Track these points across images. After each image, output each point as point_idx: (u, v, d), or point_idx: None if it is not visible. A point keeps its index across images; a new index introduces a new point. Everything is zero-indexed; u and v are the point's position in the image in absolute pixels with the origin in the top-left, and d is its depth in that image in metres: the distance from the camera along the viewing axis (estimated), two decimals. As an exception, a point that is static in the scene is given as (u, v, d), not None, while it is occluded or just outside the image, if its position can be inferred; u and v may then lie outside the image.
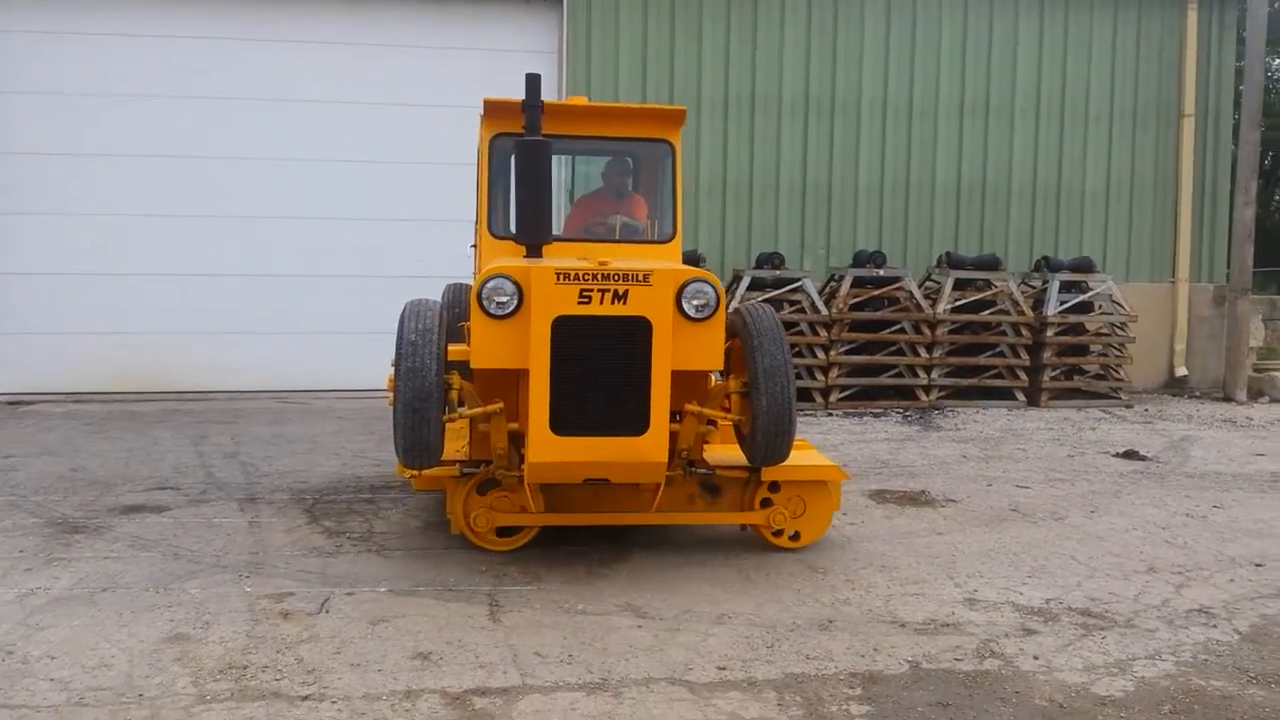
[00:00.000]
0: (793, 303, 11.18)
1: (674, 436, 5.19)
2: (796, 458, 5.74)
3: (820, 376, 11.18)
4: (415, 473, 5.30)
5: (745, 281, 11.16)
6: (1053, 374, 11.67)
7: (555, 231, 5.71)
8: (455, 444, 5.64)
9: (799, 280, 11.25)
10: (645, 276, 4.80)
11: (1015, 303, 11.54)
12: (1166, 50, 12.92)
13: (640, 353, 4.82)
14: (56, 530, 5.96)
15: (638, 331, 4.81)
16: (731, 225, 12.23)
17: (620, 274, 4.79)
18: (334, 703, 3.78)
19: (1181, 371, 12.93)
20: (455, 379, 5.05)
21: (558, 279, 4.75)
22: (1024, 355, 11.57)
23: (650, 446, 4.86)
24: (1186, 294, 13.01)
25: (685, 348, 4.93)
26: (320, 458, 8.11)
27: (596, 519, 5.64)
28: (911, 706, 3.85)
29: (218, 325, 11.24)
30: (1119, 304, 11.91)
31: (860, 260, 11.62)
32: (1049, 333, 11.52)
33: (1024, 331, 11.54)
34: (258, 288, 11.36)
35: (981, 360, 11.47)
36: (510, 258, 5.31)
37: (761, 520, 5.71)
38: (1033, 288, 12.19)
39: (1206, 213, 13.18)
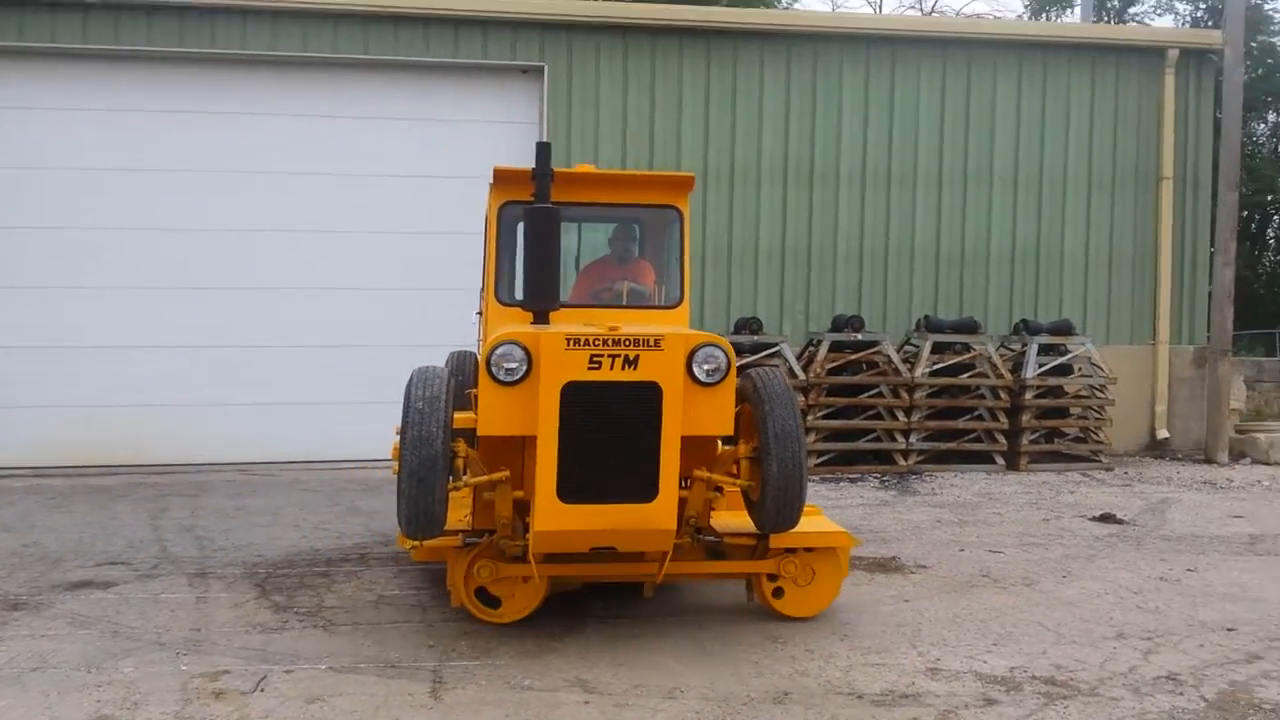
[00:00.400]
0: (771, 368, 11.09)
1: (682, 503, 5.10)
2: (805, 524, 5.61)
3: (798, 442, 11.04)
4: (415, 543, 5.14)
5: (721, 347, 11.09)
6: (1032, 437, 11.56)
7: (562, 298, 5.68)
8: (457, 514, 5.52)
9: (777, 345, 11.21)
10: (657, 341, 4.74)
11: (994, 366, 11.48)
12: (1145, 115, 13.04)
13: (651, 418, 4.73)
14: (-4, 608, 5.78)
15: (649, 397, 4.73)
16: (710, 290, 12.21)
17: (631, 339, 4.73)
18: (253, 788, 3.60)
19: (1163, 434, 12.82)
20: (461, 447, 4.96)
21: (568, 345, 4.69)
22: (1003, 419, 11.47)
23: (659, 514, 4.77)
24: (1167, 356, 12.96)
25: (695, 412, 4.85)
26: (280, 530, 7.94)
27: (602, 570, 5.46)
28: (860, 784, 3.68)
29: (182, 398, 11.09)
30: (1098, 366, 11.85)
31: (838, 325, 11.59)
32: (1028, 395, 11.44)
33: (1003, 395, 11.47)
34: (222, 360, 11.24)
35: (960, 424, 11.37)
36: (518, 325, 5.27)
37: (772, 568, 5.58)
38: (1012, 351, 12.14)
39: (1187, 274, 13.19)
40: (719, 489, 5.32)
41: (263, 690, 4.53)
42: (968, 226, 12.74)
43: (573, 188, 6.00)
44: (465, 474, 5.06)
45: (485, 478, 4.98)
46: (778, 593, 5.62)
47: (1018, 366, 11.73)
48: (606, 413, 4.71)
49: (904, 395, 11.23)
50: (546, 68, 11.75)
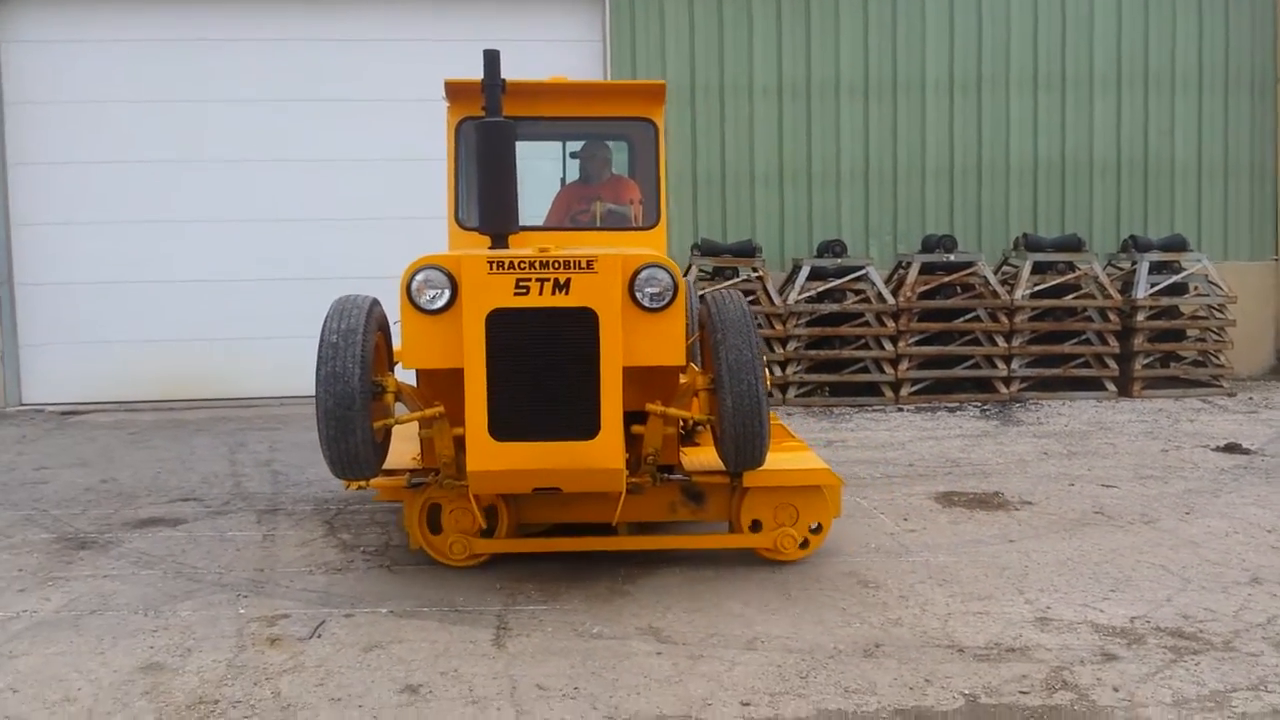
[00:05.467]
0: (857, 292, 10.53)
1: (639, 440, 4.70)
2: (788, 460, 5.22)
3: (889, 369, 10.50)
4: (361, 484, 4.85)
5: (805, 271, 10.55)
6: (1145, 361, 10.79)
7: (538, 221, 5.28)
8: (411, 450, 5.22)
9: (863, 268, 10.59)
10: (589, 263, 4.30)
11: (1101, 286, 10.69)
12: (1259, 10, 11.89)
13: (586, 348, 4.31)
14: (64, 546, 5.70)
15: (582, 324, 4.31)
16: (790, 214, 11.62)
17: (561, 261, 4.30)
18: (300, 746, 3.37)
19: (1290, 355, 11.90)
20: (391, 380, 4.63)
21: (491, 268, 4.29)
22: (1113, 342, 10.71)
23: (603, 451, 4.34)
24: (1292, 272, 11.98)
25: (640, 341, 4.41)
26: (353, 465, 7.77)
27: (562, 516, 5.15)
28: (963, 753, 3.29)
29: (269, 330, 11.02)
30: (1216, 284, 10.96)
31: (929, 245, 10.90)
32: (1140, 317, 10.65)
33: (1112, 317, 10.69)
34: (311, 292, 11.09)
35: (1066, 348, 10.66)
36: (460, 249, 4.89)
37: (732, 515, 5.15)
38: (1120, 270, 11.32)
39: (1311, 184, 12.11)
40: (684, 424, 4.88)
41: (319, 636, 4.31)
42: (1068, 136, 11.85)
43: (532, 101, 5.55)
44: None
45: (417, 414, 4.61)
46: (755, 525, 5.14)
47: (1127, 286, 10.93)
48: (537, 342, 4.32)
49: (1003, 319, 10.54)
50: (610, -19, 11.18)
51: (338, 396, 4.35)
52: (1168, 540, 5.58)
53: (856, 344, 10.50)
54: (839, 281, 10.50)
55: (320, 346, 4.43)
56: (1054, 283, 10.68)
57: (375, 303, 4.71)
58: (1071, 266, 10.84)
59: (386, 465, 4.89)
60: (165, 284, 11.08)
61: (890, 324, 10.44)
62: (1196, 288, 11.05)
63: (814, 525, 5.19)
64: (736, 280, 10.50)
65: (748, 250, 10.73)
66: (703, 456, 5.28)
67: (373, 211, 11.10)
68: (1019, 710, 3.59)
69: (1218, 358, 11.00)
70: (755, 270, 10.55)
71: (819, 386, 10.60)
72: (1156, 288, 10.74)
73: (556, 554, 5.17)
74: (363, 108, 11.12)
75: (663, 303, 4.46)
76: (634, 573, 5.07)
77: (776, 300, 10.42)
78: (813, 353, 10.46)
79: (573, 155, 6.39)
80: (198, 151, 11.03)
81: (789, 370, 10.42)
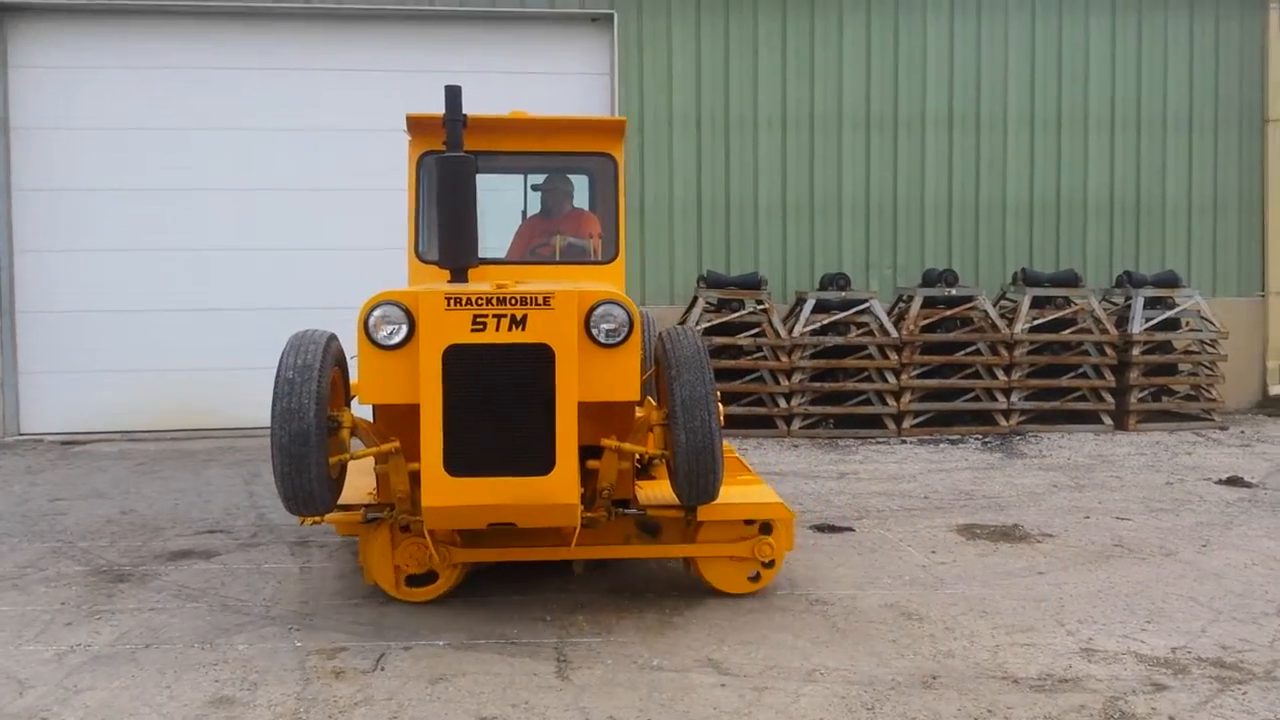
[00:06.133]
0: (860, 325, 10.71)
1: (594, 475, 4.75)
2: (742, 494, 5.29)
3: (891, 402, 10.66)
4: (316, 519, 4.83)
5: (809, 304, 10.72)
6: (1140, 395, 11.03)
7: (500, 255, 5.35)
8: (366, 484, 5.26)
9: (867, 301, 10.77)
10: (545, 300, 4.36)
11: (1098, 320, 10.94)
12: (1247, 53, 12.29)
13: (542, 384, 4.35)
14: (101, 579, 5.68)
15: (538, 360, 4.36)
16: (792, 246, 11.81)
17: (518, 298, 4.35)
18: (389, 779, 3.40)
19: (1276, 389, 12.18)
20: (347, 416, 4.66)
21: (448, 305, 4.34)
22: (1109, 376, 10.94)
23: (557, 487, 4.36)
24: (1278, 308, 12.28)
25: (596, 377, 4.46)
26: (375, 496, 7.79)
27: (517, 554, 5.16)
28: (1040, 782, 3.38)
29: (272, 359, 10.95)
30: (1208, 319, 11.25)
31: (930, 279, 11.11)
32: (1135, 351, 10.90)
33: (1108, 351, 10.93)
34: (310, 322, 11.08)
35: (1064, 382, 10.87)
36: (416, 285, 4.94)
37: (694, 551, 5.22)
38: (1114, 305, 11.58)
39: (1297, 221, 12.48)
40: (640, 459, 4.94)
41: (383, 669, 4.34)
42: (1063, 174, 12.16)
43: (494, 135, 5.64)
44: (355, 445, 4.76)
45: (373, 450, 4.64)
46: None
47: (1121, 321, 11.18)
48: (493, 378, 4.35)
49: (1003, 352, 10.75)
50: (616, 15, 11.35)
51: (292, 433, 4.33)
52: (1190, 572, 5.73)
53: (859, 376, 10.66)
54: (843, 314, 10.67)
55: (276, 382, 4.43)
56: (1052, 317, 10.91)
57: (333, 338, 4.74)
58: (1068, 301, 11.08)
59: (343, 500, 4.88)
60: (167, 312, 11.04)
61: (893, 356, 10.62)
62: (1189, 323, 11.32)
63: (767, 561, 5.25)
64: (742, 312, 10.64)
65: (753, 282, 10.88)
66: (658, 491, 5.30)
67: (382, 241, 11.12)
68: (1083, 740, 3.69)
69: (1209, 391, 11.27)
70: (760, 303, 10.69)
71: (823, 418, 10.73)
72: (1151, 323, 11.00)
73: (608, 591, 5.23)
74: (371, 137, 11.16)
75: (618, 339, 4.50)
76: (679, 605, 5.14)
77: (782, 332, 10.56)
78: (817, 385, 10.60)
79: (534, 188, 6.47)
80: (201, 179, 11.03)
81: (794, 402, 10.55)
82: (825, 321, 10.65)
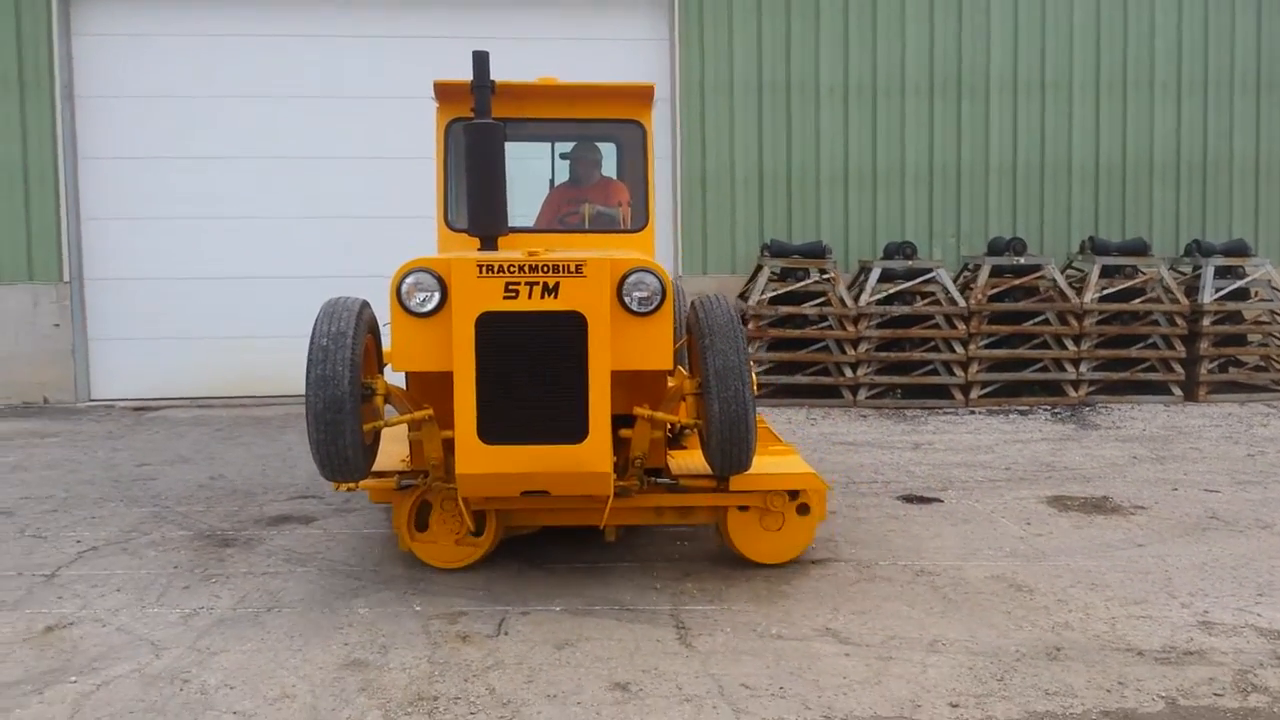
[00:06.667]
0: (926, 294, 10.63)
1: (626, 444, 4.75)
2: (775, 465, 5.27)
3: (959, 372, 10.60)
4: (351, 486, 4.85)
5: (875, 273, 10.64)
6: (1209, 366, 10.90)
7: (528, 223, 5.28)
8: (400, 451, 5.26)
9: (933, 271, 10.69)
10: (578, 267, 4.34)
11: (1168, 290, 10.80)
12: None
13: (574, 352, 4.35)
14: (206, 543, 5.78)
15: (571, 328, 4.35)
16: (855, 215, 11.71)
17: (551, 265, 4.33)
18: (539, 743, 3.46)
19: (1346, 361, 11.99)
20: (380, 383, 4.67)
21: (480, 272, 4.33)
22: (1178, 346, 10.82)
23: (591, 455, 4.38)
24: (1349, 277, 12.07)
25: (629, 345, 4.44)
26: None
27: (551, 519, 5.20)
28: (1189, 754, 3.39)
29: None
30: (1279, 290, 11.07)
31: (997, 248, 10.99)
32: (1205, 322, 10.76)
33: (1178, 321, 10.80)
34: (365, 288, 11.18)
35: (1134, 352, 10.76)
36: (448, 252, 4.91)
37: (716, 518, 5.22)
38: (1182, 274, 11.43)
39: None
40: (671, 428, 4.88)
41: (506, 634, 4.40)
42: (1129, 138, 11.96)
43: (522, 102, 5.58)
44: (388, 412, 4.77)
45: (407, 417, 4.66)
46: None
47: (1190, 290, 11.04)
48: (526, 346, 4.34)
49: (1072, 322, 10.65)
50: (677, -23, 11.26)
51: (327, 400, 4.35)
52: (1293, 545, 5.69)
53: (926, 346, 10.59)
54: (909, 284, 10.59)
55: (310, 349, 4.43)
56: (1121, 287, 10.78)
57: (365, 305, 4.75)
58: (1137, 270, 10.95)
59: (376, 467, 4.92)
60: (227, 280, 11.11)
61: (960, 326, 10.54)
62: (1258, 293, 11.16)
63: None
64: (807, 281, 10.59)
65: (818, 251, 10.81)
66: (690, 460, 5.31)
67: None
68: (1220, 713, 3.69)
69: (1279, 363, 11.12)
70: (825, 272, 10.63)
71: (890, 388, 10.69)
72: (1221, 292, 10.85)
73: (711, 559, 5.26)
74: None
75: (651, 307, 4.47)
76: (785, 574, 5.16)
77: (848, 301, 10.51)
78: (883, 355, 10.55)
79: (562, 156, 6.43)
80: (268, 147, 11.08)
81: (860, 372, 10.51)
82: (891, 291, 10.58)
